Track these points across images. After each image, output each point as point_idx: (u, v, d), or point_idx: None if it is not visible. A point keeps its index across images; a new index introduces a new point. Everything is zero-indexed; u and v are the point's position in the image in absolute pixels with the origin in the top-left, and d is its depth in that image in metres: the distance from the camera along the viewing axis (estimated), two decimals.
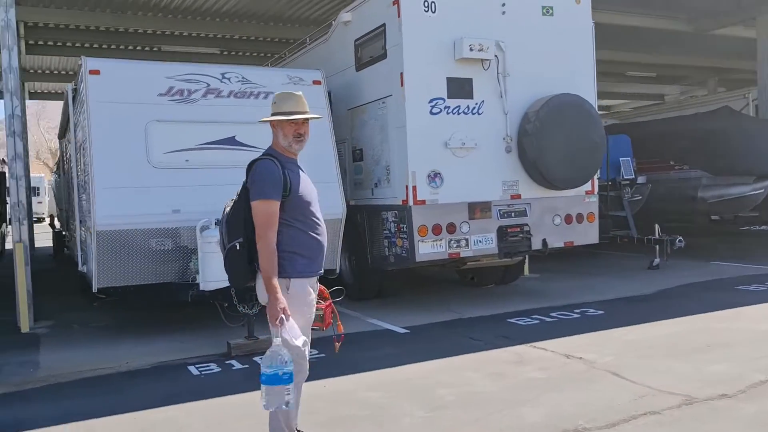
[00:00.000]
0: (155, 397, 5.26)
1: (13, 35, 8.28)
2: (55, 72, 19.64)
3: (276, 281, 3.41)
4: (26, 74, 18.83)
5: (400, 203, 7.81)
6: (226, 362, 6.24)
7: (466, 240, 7.95)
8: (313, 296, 3.74)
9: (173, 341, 7.16)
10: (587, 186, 8.71)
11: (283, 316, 3.38)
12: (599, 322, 7.48)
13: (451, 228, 7.84)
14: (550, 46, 8.42)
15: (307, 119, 3.74)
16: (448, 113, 7.87)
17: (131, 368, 6.21)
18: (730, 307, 7.89)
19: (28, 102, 23.98)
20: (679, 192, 12.99)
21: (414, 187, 7.67)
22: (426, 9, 7.72)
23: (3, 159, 17.48)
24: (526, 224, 8.31)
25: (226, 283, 3.94)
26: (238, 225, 3.54)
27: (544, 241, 8.42)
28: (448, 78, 7.85)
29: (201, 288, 6.64)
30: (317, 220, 3.70)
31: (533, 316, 7.82)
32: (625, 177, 12.18)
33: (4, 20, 8.24)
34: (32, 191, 31.13)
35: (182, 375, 5.94)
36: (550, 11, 8.45)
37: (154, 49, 16.10)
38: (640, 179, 12.66)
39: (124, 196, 6.82)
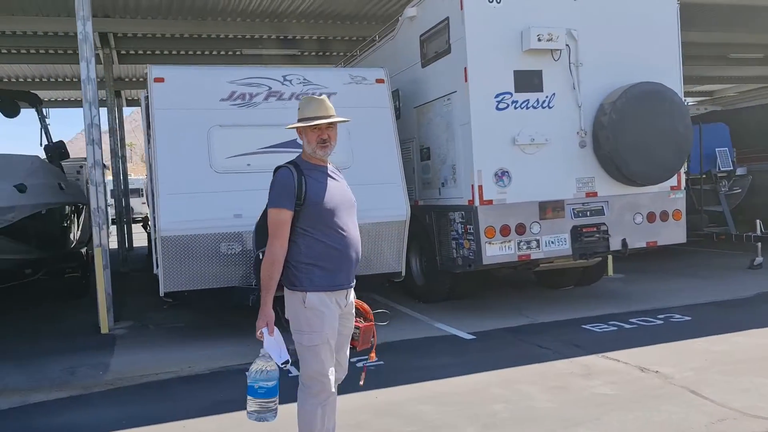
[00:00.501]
0: (208, 403, 5.25)
1: (91, 47, 8.59)
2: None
3: (266, 292, 3.31)
4: (122, 83, 19.76)
5: (467, 203, 7.50)
6: (284, 368, 6.17)
7: (537, 241, 7.53)
8: (345, 311, 3.55)
9: (239, 345, 7.18)
10: (672, 181, 8.06)
11: (264, 329, 3.29)
12: (683, 330, 6.89)
13: (521, 229, 7.46)
14: (628, 31, 7.84)
15: (331, 123, 3.54)
16: (516, 108, 7.48)
17: (192, 372, 6.27)
18: None
19: (133, 108, 25.27)
20: None
21: (480, 187, 7.34)
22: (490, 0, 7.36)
23: (105, 164, 18.43)
24: (604, 223, 7.79)
25: None
26: (261, 234, 3.49)
27: (624, 242, 7.86)
28: (515, 71, 7.46)
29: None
30: (342, 231, 3.47)
31: (611, 322, 7.32)
32: (722, 169, 11.29)
33: (82, 33, 8.55)
34: (136, 193, 32.97)
35: (240, 380, 5.90)
36: None
37: (237, 53, 16.43)
38: (740, 171, 11.70)
39: (186, 201, 6.90)
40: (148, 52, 16.62)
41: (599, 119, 7.61)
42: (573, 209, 7.69)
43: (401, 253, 7.75)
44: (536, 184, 7.52)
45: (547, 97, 7.59)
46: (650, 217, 7.98)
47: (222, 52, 16.60)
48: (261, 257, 3.40)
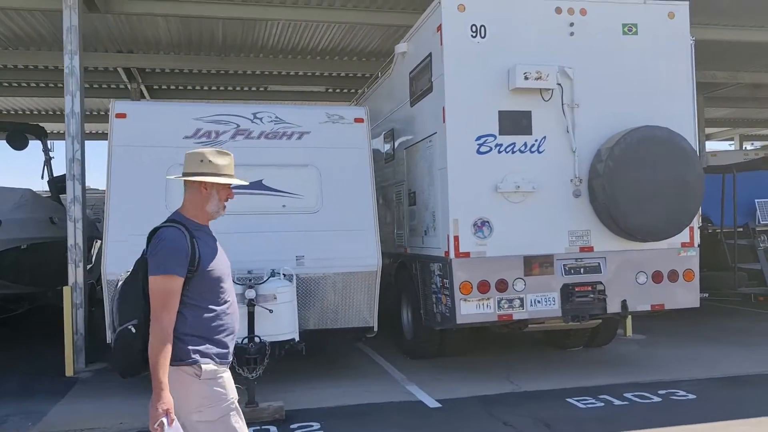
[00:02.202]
0: None
1: (77, 81, 8.46)
2: None
3: (163, 374, 2.84)
4: None
5: (443, 255, 6.84)
6: None
7: (521, 300, 6.77)
8: (231, 388, 3.10)
9: None
10: (683, 237, 7.17)
11: (164, 419, 2.81)
12: (682, 411, 5.97)
13: (502, 285, 6.72)
14: (632, 70, 7.10)
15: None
16: (499, 152, 6.81)
17: (122, 429, 5.80)
18: None
19: None
20: None
21: (456, 238, 6.67)
22: (474, 34, 6.77)
23: None
24: (600, 282, 6.95)
25: None
26: (133, 303, 2.98)
27: (624, 303, 6.99)
28: (500, 111, 6.82)
29: None
30: (229, 300, 3.12)
31: (601, 396, 6.43)
32: (762, 222, 10.17)
33: (69, 67, 8.46)
34: None
35: None
36: (634, 29, 7.13)
37: (261, 89, 16.35)
38: None
39: (136, 247, 6.49)
40: (180, 87, 16.76)
41: (595, 166, 6.85)
42: (564, 265, 6.90)
43: (373, 305, 7.12)
44: (521, 237, 6.79)
45: (536, 140, 6.90)
46: (656, 277, 7.09)
47: (246, 88, 16.57)
48: (133, 331, 2.92)
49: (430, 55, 7.11)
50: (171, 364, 2.90)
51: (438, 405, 6.32)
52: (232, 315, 3.13)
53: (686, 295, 7.20)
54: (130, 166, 6.78)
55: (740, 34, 12.82)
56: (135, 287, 3.00)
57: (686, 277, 7.18)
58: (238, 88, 16.91)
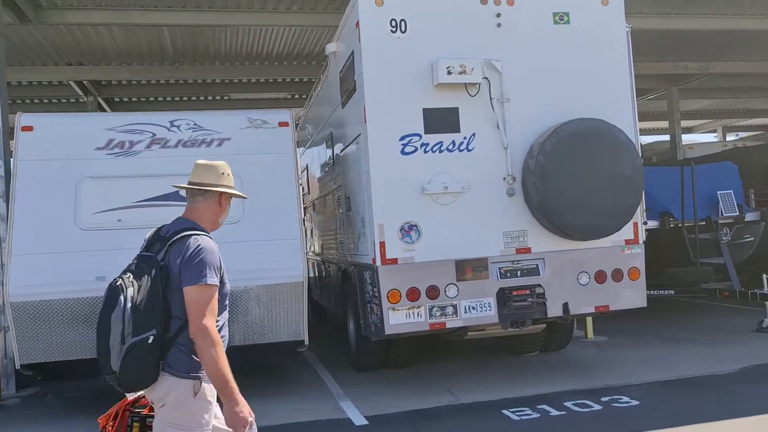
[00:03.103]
0: None
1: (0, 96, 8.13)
2: None
3: (233, 381, 2.84)
4: None
5: (371, 262, 6.49)
6: None
7: (454, 306, 6.41)
8: (212, 415, 3.02)
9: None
10: (627, 233, 6.81)
11: (251, 419, 2.86)
12: (621, 420, 5.62)
13: (433, 292, 6.36)
14: (566, 61, 6.75)
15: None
16: (426, 152, 6.47)
17: None
18: None
19: None
20: None
21: (382, 243, 6.31)
22: (393, 29, 6.43)
23: None
24: (539, 285, 6.59)
25: None
26: (151, 313, 2.82)
27: (566, 306, 6.62)
28: (425, 109, 6.47)
29: None
30: (227, 314, 3.15)
31: (540, 407, 6.07)
32: (725, 214, 9.80)
33: None
34: None
35: None
36: (565, 18, 6.79)
37: (224, 98, 16.05)
38: (751, 215, 10.16)
39: (42, 263, 6.18)
40: (142, 99, 16.45)
41: (527, 163, 6.50)
42: (500, 269, 6.54)
43: (301, 318, 6.75)
44: (452, 240, 6.44)
45: (465, 138, 6.55)
46: (599, 277, 6.73)
47: (210, 97, 16.26)
48: (150, 342, 2.79)
49: (352, 53, 6.77)
50: (174, 374, 2.86)
51: (365, 422, 5.95)
52: (227, 327, 3.11)
53: (632, 295, 6.84)
54: (36, 181, 6.43)
55: (709, 22, 12.50)
56: (152, 296, 2.84)
57: (631, 276, 6.81)
58: (202, 98, 16.64)
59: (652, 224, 9.75)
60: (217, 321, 2.93)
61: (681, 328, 9.55)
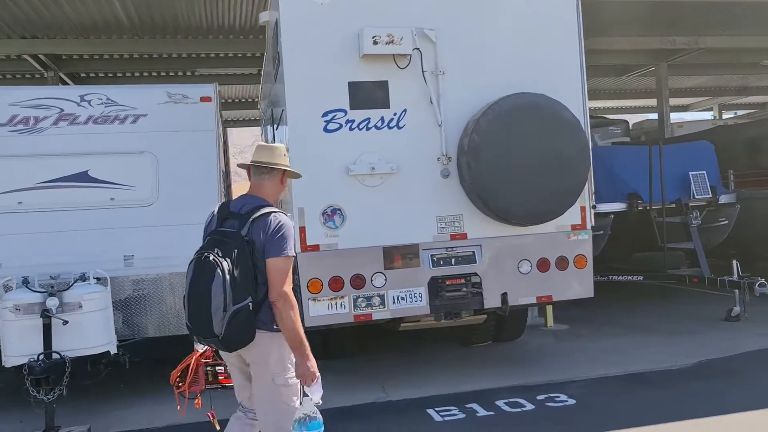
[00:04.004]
0: None
1: None
2: None
3: (306, 340, 3.34)
4: None
5: None
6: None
7: (381, 297, 5.94)
8: None
9: None
10: (574, 218, 6.31)
11: (319, 374, 3.36)
12: (550, 422, 5.17)
13: (358, 282, 5.90)
14: (508, 32, 6.21)
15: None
16: (351, 129, 5.96)
17: None
18: None
19: None
20: None
21: (302, 229, 5.82)
22: None
23: None
24: (475, 274, 6.12)
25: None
26: (245, 283, 3.24)
27: (504, 297, 6.15)
28: (351, 83, 5.94)
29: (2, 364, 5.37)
30: None
31: (468, 406, 5.64)
32: (697, 196, 9.26)
33: None
34: None
35: None
36: None
37: (188, 73, 15.48)
38: (725, 198, 9.62)
39: None
40: (110, 75, 15.90)
41: (462, 141, 5.98)
42: (432, 256, 6.06)
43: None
44: (380, 225, 5.95)
45: (395, 114, 6.03)
46: (542, 265, 6.25)
47: (181, 73, 15.69)
48: (251, 308, 3.24)
49: (277, 22, 6.24)
50: (271, 330, 3.33)
51: None
52: None
53: (578, 284, 6.36)
54: None
55: None
56: (245, 268, 3.23)
57: (577, 264, 6.33)
58: (172, 74, 16.06)
59: (620, 207, 9.27)
60: None
61: (647, 316, 9.09)
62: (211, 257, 3.22)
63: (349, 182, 5.91)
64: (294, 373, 3.37)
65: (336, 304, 5.87)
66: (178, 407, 3.69)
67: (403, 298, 5.98)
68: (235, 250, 3.24)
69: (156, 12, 11.77)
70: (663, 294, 10.46)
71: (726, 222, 9.61)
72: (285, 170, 3.60)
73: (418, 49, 5.95)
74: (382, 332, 7.25)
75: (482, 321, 6.96)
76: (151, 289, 6.09)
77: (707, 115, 25.65)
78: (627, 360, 6.86)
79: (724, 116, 25.34)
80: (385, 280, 5.94)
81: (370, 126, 5.98)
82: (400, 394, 6.09)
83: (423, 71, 5.99)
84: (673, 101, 24.27)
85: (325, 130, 5.90)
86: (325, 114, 5.90)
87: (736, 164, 10.72)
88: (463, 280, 6.09)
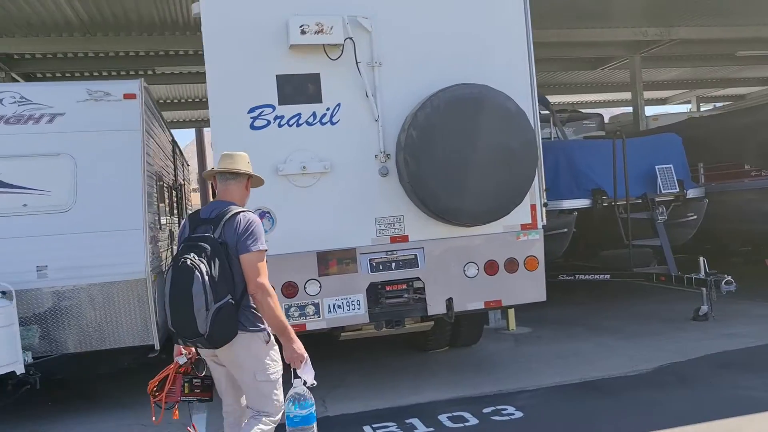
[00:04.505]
0: None
1: None
2: None
3: (290, 326, 3.57)
4: None
5: None
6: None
7: (316, 306, 5.54)
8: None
9: None
10: (524, 218, 5.93)
11: (306, 355, 3.54)
12: None
13: (290, 290, 5.49)
14: (450, 20, 5.82)
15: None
16: (280, 126, 5.55)
17: None
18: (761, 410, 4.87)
19: None
20: (754, 207, 9.39)
21: None
22: None
23: None
24: (418, 278, 5.73)
25: None
26: (224, 282, 3.44)
27: (450, 302, 5.76)
28: (279, 76, 5.54)
29: None
30: None
31: (408, 420, 5.25)
32: (664, 191, 8.91)
33: None
34: None
35: None
36: None
37: (149, 72, 15.00)
38: (693, 192, 9.27)
39: None
40: (67, 74, 15.38)
41: (399, 137, 5.58)
42: (371, 260, 5.66)
43: (148, 320, 5.88)
44: (314, 229, 5.55)
45: (328, 109, 5.63)
46: (490, 267, 5.86)
47: (142, 72, 15.19)
48: (233, 303, 3.44)
49: (199, 14, 5.80)
50: (247, 331, 3.51)
51: None
52: None
53: (529, 288, 5.98)
54: None
55: None
56: (223, 268, 3.43)
57: (528, 266, 5.94)
58: (132, 72, 15.56)
59: (584, 203, 8.91)
60: None
61: (613, 317, 8.74)
62: (188, 261, 3.37)
63: (279, 183, 5.50)
64: (274, 369, 3.57)
65: None
66: (153, 417, 3.75)
67: (339, 307, 5.58)
68: (210, 252, 3.42)
69: (105, 9, 11.30)
70: (632, 293, 10.11)
71: (695, 217, 9.27)
72: (250, 176, 3.84)
73: (350, 38, 5.55)
74: (329, 339, 6.85)
75: (429, 328, 6.57)
76: (69, 301, 5.66)
77: (684, 108, 25.37)
78: (585, 366, 6.49)
79: (703, 109, 25.10)
80: (320, 287, 5.54)
81: (301, 122, 5.58)
82: (340, 409, 5.69)
83: (357, 63, 5.59)
84: (650, 94, 24.12)
85: (252, 127, 5.49)
86: (251, 110, 5.49)
87: (708, 157, 10.40)
88: (404, 286, 5.70)
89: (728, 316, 8.13)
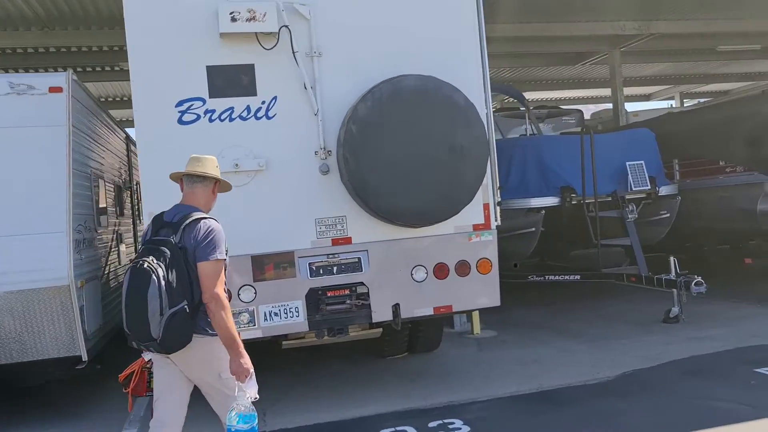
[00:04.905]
0: None
1: None
2: None
3: (239, 338, 3.47)
4: None
5: None
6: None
7: (251, 313, 5.16)
8: None
9: None
10: (476, 217, 5.57)
11: (252, 370, 3.45)
12: None
13: None
14: (394, 6, 5.45)
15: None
16: (212, 120, 5.16)
17: None
18: (725, 422, 4.53)
19: None
20: (730, 205, 9.09)
21: None
22: None
23: None
24: (361, 283, 5.36)
25: None
26: (180, 287, 3.41)
27: (396, 309, 5.39)
28: (209, 67, 5.15)
29: None
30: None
31: None
32: (635, 188, 8.59)
33: None
34: None
35: None
36: None
37: (116, 68, 14.54)
38: (666, 189, 8.96)
39: None
40: (30, 70, 14.88)
41: (340, 132, 5.21)
42: (310, 264, 5.29)
43: (74, 329, 5.47)
44: (248, 231, 5.14)
45: (263, 102, 5.24)
46: (440, 271, 5.50)
47: (108, 68, 14.78)
48: (187, 310, 3.41)
49: None
50: (209, 335, 3.50)
51: None
52: None
53: (482, 292, 5.61)
54: None
55: None
56: (179, 273, 3.40)
57: (481, 269, 5.58)
58: (98, 68, 15.14)
59: (552, 201, 8.58)
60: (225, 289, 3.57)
61: (582, 319, 8.41)
62: (146, 264, 3.35)
63: None
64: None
65: None
66: (129, 408, 3.96)
67: (276, 314, 5.21)
68: (169, 257, 3.40)
69: (61, 3, 10.88)
70: (604, 293, 9.76)
71: (667, 215, 8.96)
72: (217, 180, 3.78)
73: (286, 26, 5.17)
74: (273, 346, 6.47)
75: (378, 335, 6.20)
76: None
77: (666, 104, 25.11)
78: (545, 373, 6.15)
79: (686, 105, 24.86)
80: (255, 293, 5.16)
81: (234, 116, 5.20)
82: (280, 423, 5.31)
83: (294, 52, 5.21)
84: (633, 90, 23.87)
85: (180, 121, 5.11)
86: (179, 103, 5.10)
87: (684, 153, 10.10)
88: (347, 291, 5.33)
89: (700, 317, 7.82)
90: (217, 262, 3.47)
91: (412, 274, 5.45)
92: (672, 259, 7.79)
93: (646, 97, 25.95)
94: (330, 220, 5.34)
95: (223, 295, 3.46)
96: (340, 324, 5.33)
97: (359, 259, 5.38)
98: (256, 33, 5.10)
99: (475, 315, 8.05)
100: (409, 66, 5.29)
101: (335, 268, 5.33)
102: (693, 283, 7.31)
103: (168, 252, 3.41)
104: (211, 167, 3.77)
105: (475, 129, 5.25)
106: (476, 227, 5.59)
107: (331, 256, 5.33)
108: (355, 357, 7.25)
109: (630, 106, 23.32)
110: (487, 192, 5.58)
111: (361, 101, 5.06)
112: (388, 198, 5.08)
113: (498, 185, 5.74)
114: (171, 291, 3.36)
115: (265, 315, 5.19)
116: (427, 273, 5.48)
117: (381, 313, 5.38)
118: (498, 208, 5.71)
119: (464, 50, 5.53)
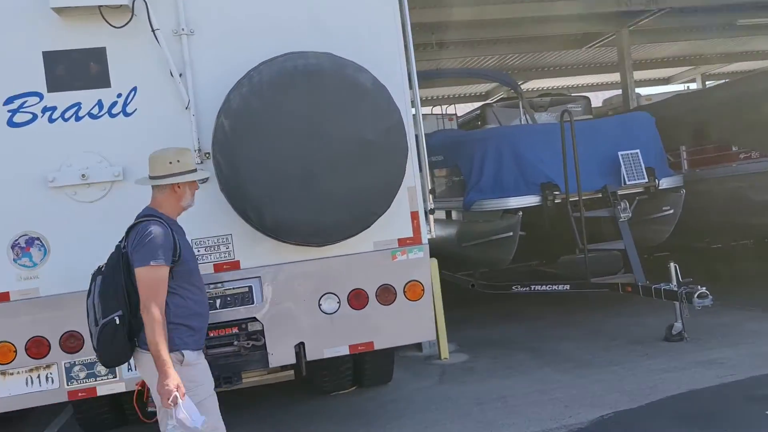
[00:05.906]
0: None
1: None
2: None
3: (166, 355, 3.07)
4: None
5: None
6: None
7: None
8: (208, 374, 3.39)
9: None
10: (402, 231, 4.44)
11: (177, 393, 3.00)
12: None
13: (73, 342, 4.07)
14: None
15: None
16: (52, 120, 4.11)
17: None
18: None
19: None
20: (744, 195, 7.78)
21: None
22: None
23: None
24: (254, 318, 4.26)
25: None
26: (115, 296, 3.20)
27: (300, 350, 4.29)
28: (46, 54, 4.10)
29: None
30: (202, 289, 3.43)
31: None
32: (629, 182, 7.32)
33: None
34: None
35: None
36: None
37: None
38: (668, 181, 7.67)
39: None
40: None
41: (214, 131, 4.10)
42: None
43: None
44: (103, 258, 4.06)
45: (119, 95, 4.18)
46: (356, 299, 4.37)
47: None
48: (117, 322, 3.16)
49: None
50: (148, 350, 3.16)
51: None
52: (205, 303, 3.42)
53: (411, 323, 4.47)
54: None
55: None
56: (115, 281, 3.21)
57: (410, 294, 4.44)
58: None
59: (533, 200, 7.37)
60: (192, 296, 3.30)
61: (570, 337, 7.17)
62: (94, 271, 3.31)
63: (52, 197, 4.08)
64: (194, 392, 3.15)
65: (38, 377, 4.03)
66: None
67: None
68: (111, 263, 3.27)
69: None
70: (602, 301, 8.46)
71: (671, 211, 7.67)
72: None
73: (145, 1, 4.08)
74: None
75: (292, 378, 5.08)
76: None
77: (680, 87, 23.52)
78: (508, 415, 4.99)
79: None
80: None
81: (81, 114, 4.14)
82: None
83: (154, 31, 4.12)
84: (650, 74, 22.39)
85: (10, 123, 4.07)
86: (8, 100, 4.06)
87: (692, 138, 8.78)
88: (235, 330, 4.24)
89: (710, 332, 6.60)
90: (149, 268, 3.13)
91: (320, 305, 4.34)
92: (672, 265, 6.51)
93: (665, 81, 24.36)
94: (211, 240, 4.26)
95: (155, 306, 3.10)
96: (227, 372, 4.23)
97: (250, 288, 4.28)
98: (99, 7, 4.02)
99: (442, 337, 6.87)
100: (309, 42, 4.19)
101: (218, 301, 4.24)
102: (696, 296, 6.05)
103: (114, 257, 3.28)
104: (160, 166, 3.33)
105: (388, 119, 4.11)
106: (402, 242, 4.45)
107: (213, 285, 4.24)
108: (292, 394, 6.12)
109: (646, 91, 21.88)
110: (415, 198, 4.44)
111: (235, 89, 3.97)
112: (274, 210, 3.97)
113: (429, 188, 4.58)
114: (104, 300, 3.20)
115: (128, 364, 4.11)
116: (339, 302, 4.36)
117: (280, 355, 4.28)
118: (431, 217, 4.55)
119: (373, 19, 4.38)
